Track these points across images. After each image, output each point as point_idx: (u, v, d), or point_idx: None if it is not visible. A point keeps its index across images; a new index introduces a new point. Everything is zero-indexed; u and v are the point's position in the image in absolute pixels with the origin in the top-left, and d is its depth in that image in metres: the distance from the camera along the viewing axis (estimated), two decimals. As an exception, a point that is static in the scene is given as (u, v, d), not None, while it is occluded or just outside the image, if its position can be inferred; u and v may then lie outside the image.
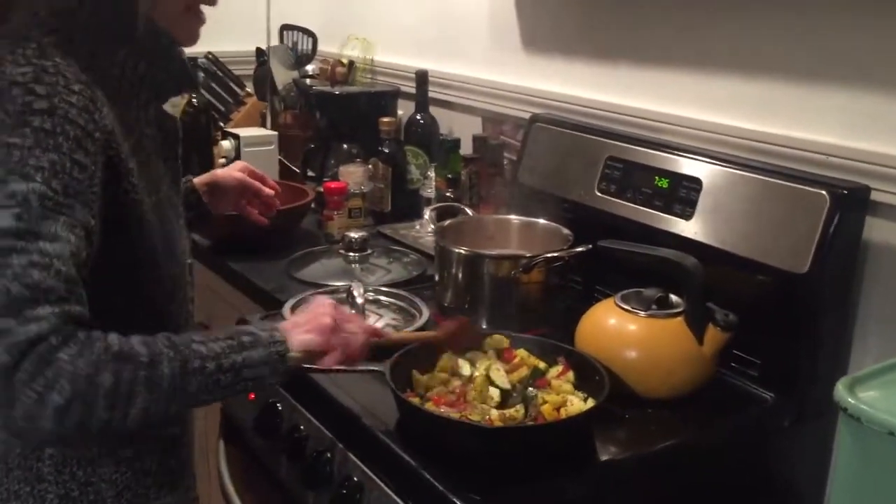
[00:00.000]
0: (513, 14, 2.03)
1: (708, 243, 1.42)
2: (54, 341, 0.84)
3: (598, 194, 1.64)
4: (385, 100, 2.32)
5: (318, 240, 1.98)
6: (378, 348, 1.19)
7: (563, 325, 1.41)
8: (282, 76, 2.53)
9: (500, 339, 1.32)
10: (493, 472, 1.10)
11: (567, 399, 1.19)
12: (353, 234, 1.78)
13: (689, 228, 1.46)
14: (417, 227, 2.03)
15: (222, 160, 2.22)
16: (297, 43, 2.63)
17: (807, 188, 1.33)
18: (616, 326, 1.32)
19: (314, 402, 1.32)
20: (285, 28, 2.64)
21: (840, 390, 1.00)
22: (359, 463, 1.19)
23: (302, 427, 1.31)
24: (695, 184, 1.47)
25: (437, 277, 1.58)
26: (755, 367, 1.36)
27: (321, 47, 2.62)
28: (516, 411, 1.16)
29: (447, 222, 1.66)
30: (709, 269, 1.30)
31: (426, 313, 1.50)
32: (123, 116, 1.02)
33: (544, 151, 1.80)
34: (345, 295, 1.55)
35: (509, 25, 2.04)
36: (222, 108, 2.55)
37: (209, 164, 2.21)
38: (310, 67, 2.60)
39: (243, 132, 2.28)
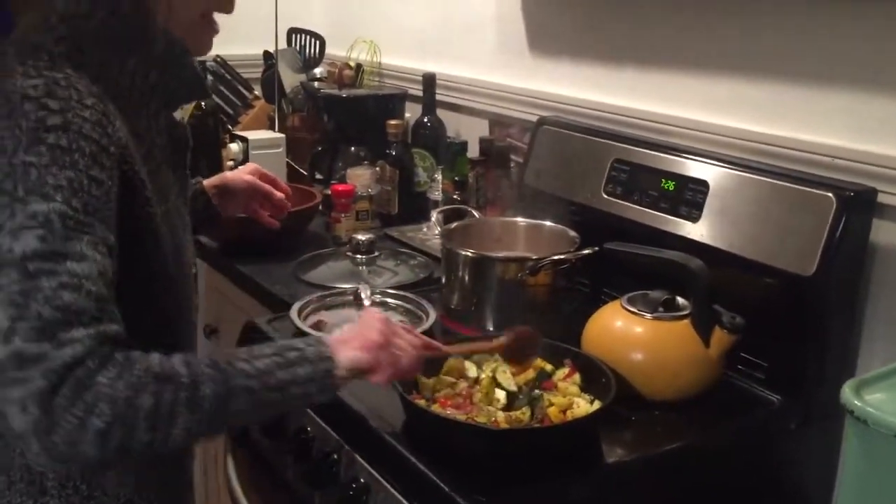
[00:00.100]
0: (519, 17, 2.03)
1: (715, 245, 1.42)
2: (91, 364, 0.83)
3: (605, 196, 1.64)
4: (392, 103, 2.32)
5: (326, 242, 1.99)
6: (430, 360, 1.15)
7: (569, 327, 1.40)
8: (290, 79, 2.54)
9: (507, 342, 1.32)
10: (500, 473, 1.11)
11: (573, 401, 1.20)
12: (361, 237, 1.78)
13: (695, 231, 1.46)
14: (424, 229, 2.03)
15: (230, 163, 2.23)
16: (305, 46, 2.64)
17: (814, 190, 1.33)
18: (622, 329, 1.32)
19: (321, 404, 1.32)
20: (293, 31, 2.65)
21: (847, 393, 1.00)
22: (365, 464, 1.20)
23: (309, 428, 1.32)
24: (701, 186, 1.47)
25: (443, 280, 1.58)
26: (762, 370, 1.36)
27: (329, 50, 2.63)
28: (522, 413, 1.16)
29: (454, 225, 1.66)
30: (715, 272, 1.30)
31: (433, 315, 1.50)
32: (134, 127, 1.01)
33: (551, 154, 1.80)
34: (352, 297, 1.55)
35: (516, 28, 2.04)
36: (231, 112, 2.56)
37: (217, 167, 2.21)
38: (317, 70, 2.61)
39: (251, 135, 2.29)
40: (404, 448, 1.16)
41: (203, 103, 2.28)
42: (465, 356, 1.27)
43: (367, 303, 1.50)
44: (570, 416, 1.17)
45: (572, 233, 1.57)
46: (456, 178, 2.02)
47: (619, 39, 1.79)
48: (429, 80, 2.20)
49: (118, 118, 0.96)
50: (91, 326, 0.84)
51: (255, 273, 1.79)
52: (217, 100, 2.47)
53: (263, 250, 1.86)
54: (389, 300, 1.59)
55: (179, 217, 1.12)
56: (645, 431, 1.25)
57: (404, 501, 1.12)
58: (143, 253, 1.00)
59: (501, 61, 2.11)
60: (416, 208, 2.12)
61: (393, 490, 1.14)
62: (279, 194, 1.52)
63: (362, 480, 1.18)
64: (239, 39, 2.40)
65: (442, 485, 1.08)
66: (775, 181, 1.38)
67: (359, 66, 2.45)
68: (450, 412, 1.16)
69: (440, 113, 2.24)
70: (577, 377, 1.25)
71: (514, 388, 1.21)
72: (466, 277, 1.52)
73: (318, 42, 2.62)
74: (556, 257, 1.47)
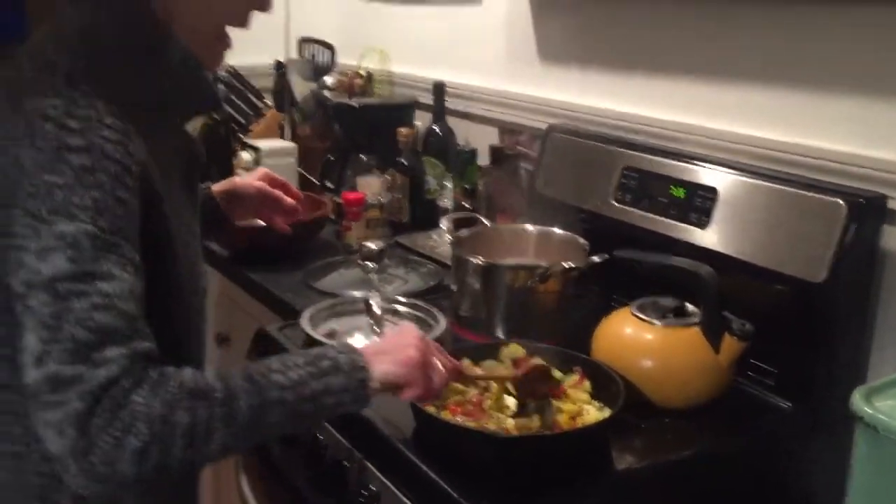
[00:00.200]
0: (529, 25, 2.04)
1: (724, 252, 1.42)
2: (126, 384, 0.83)
3: (615, 204, 1.64)
4: (403, 111, 2.34)
5: (337, 250, 1.99)
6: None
7: (579, 334, 1.41)
8: (301, 88, 2.55)
9: (516, 349, 1.33)
10: (510, 481, 1.11)
11: (583, 408, 1.20)
12: (371, 245, 1.79)
13: (705, 237, 1.46)
14: (435, 237, 2.04)
15: (242, 171, 2.24)
16: (316, 55, 2.65)
17: (823, 197, 1.33)
18: (632, 336, 1.33)
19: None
20: (304, 41, 2.66)
21: (857, 399, 1.00)
22: (376, 472, 1.20)
23: (320, 436, 1.32)
24: (711, 193, 1.47)
25: (453, 287, 1.59)
26: (772, 377, 1.35)
27: (339, 59, 2.64)
28: (532, 421, 1.17)
29: (464, 232, 1.67)
30: (725, 279, 1.30)
31: (443, 323, 1.50)
32: (151, 143, 1.00)
33: (560, 161, 1.81)
34: (362, 305, 1.56)
35: (525, 36, 2.05)
36: (242, 121, 2.58)
37: (229, 176, 2.22)
38: (328, 79, 2.62)
39: (263, 144, 2.30)
40: (415, 455, 1.16)
41: (215, 113, 2.30)
42: (477, 367, 1.27)
43: (377, 311, 1.50)
44: (579, 423, 1.17)
45: (582, 240, 1.57)
46: (466, 186, 2.02)
47: (627, 47, 1.79)
48: (439, 89, 2.21)
49: (136, 135, 0.96)
50: (124, 345, 0.84)
51: (265, 281, 1.80)
52: (229, 109, 2.49)
53: (274, 258, 1.87)
54: (400, 308, 1.59)
55: (192, 231, 1.11)
56: (655, 438, 1.25)
57: (414, 509, 1.12)
58: (161, 269, 0.99)
59: (511, 69, 2.12)
60: (426, 216, 2.13)
61: (404, 497, 1.14)
62: (289, 200, 1.50)
63: (373, 488, 1.19)
64: (251, 49, 2.41)
65: (452, 492, 1.08)
66: (785, 188, 1.38)
67: (369, 74, 2.46)
68: (460, 419, 1.17)
69: (450, 121, 2.25)
70: (586, 384, 1.25)
71: (523, 395, 1.21)
72: (476, 285, 1.52)
73: (328, 51, 2.64)
74: (565, 265, 1.47)
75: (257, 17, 1.10)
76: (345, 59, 2.64)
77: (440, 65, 2.35)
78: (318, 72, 2.64)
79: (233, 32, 1.10)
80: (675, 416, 1.28)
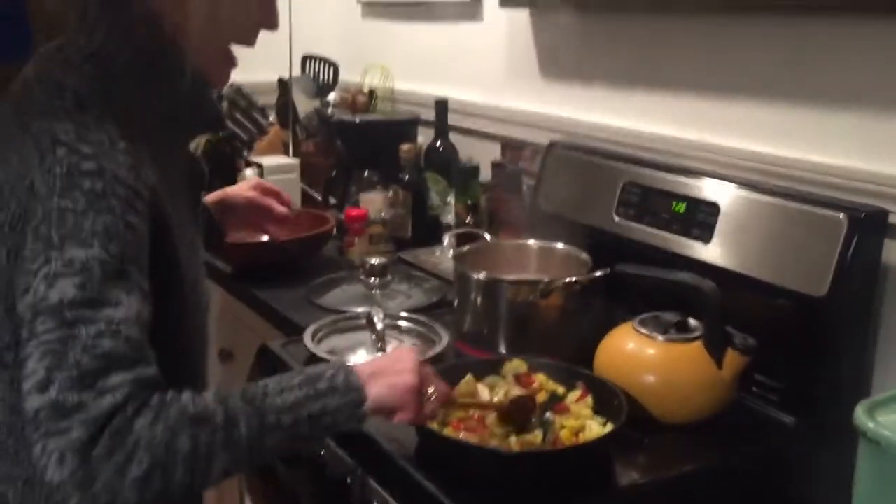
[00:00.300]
0: (530, 41, 2.05)
1: (726, 267, 1.42)
2: (129, 411, 0.83)
3: (616, 219, 1.64)
4: (405, 127, 2.35)
5: (340, 266, 1.99)
6: None
7: (581, 349, 1.41)
8: (304, 105, 2.57)
9: (519, 364, 1.33)
10: (512, 497, 1.11)
11: (586, 424, 1.19)
12: (374, 261, 1.79)
13: (707, 252, 1.46)
14: (437, 252, 2.04)
15: (245, 188, 2.25)
16: (319, 73, 2.66)
17: (824, 211, 1.33)
18: (634, 351, 1.32)
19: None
20: (307, 58, 2.67)
21: (860, 414, 1.00)
22: (378, 488, 1.20)
23: (322, 452, 1.32)
24: (712, 208, 1.48)
25: (456, 303, 1.59)
26: (775, 391, 1.35)
27: (342, 77, 2.66)
28: (535, 436, 1.16)
29: (466, 248, 1.67)
30: (727, 293, 1.30)
31: (446, 339, 1.50)
32: (158, 163, 0.99)
33: (562, 177, 1.81)
34: (365, 321, 1.56)
35: (527, 53, 2.06)
36: (246, 138, 2.59)
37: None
38: (331, 96, 2.63)
39: (266, 160, 2.31)
40: (417, 471, 1.16)
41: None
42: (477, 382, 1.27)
43: (379, 326, 1.51)
44: (582, 438, 1.17)
45: (584, 255, 1.57)
46: (468, 202, 2.03)
47: (629, 63, 1.80)
48: (441, 105, 2.22)
49: (147, 158, 0.95)
50: (129, 372, 0.84)
51: (268, 297, 1.80)
52: (232, 126, 2.50)
53: (277, 275, 1.88)
54: (402, 323, 1.59)
55: (195, 249, 1.11)
56: (658, 454, 1.25)
57: (417, 525, 1.12)
58: (167, 289, 0.99)
59: (512, 85, 2.13)
60: (429, 232, 2.13)
61: (406, 513, 1.14)
62: (281, 208, 1.50)
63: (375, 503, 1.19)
64: (254, 66, 2.42)
65: (454, 508, 1.08)
66: (786, 202, 1.39)
67: (372, 91, 2.47)
68: (462, 435, 1.17)
69: (452, 137, 2.25)
70: (589, 399, 1.25)
71: (526, 410, 1.21)
72: (479, 300, 1.53)
73: (331, 68, 2.65)
74: (567, 280, 1.47)
75: (261, 35, 1.11)
76: (348, 77, 2.65)
77: (442, 81, 2.36)
78: (321, 89, 2.65)
79: (237, 50, 1.11)
80: (677, 431, 1.28)
